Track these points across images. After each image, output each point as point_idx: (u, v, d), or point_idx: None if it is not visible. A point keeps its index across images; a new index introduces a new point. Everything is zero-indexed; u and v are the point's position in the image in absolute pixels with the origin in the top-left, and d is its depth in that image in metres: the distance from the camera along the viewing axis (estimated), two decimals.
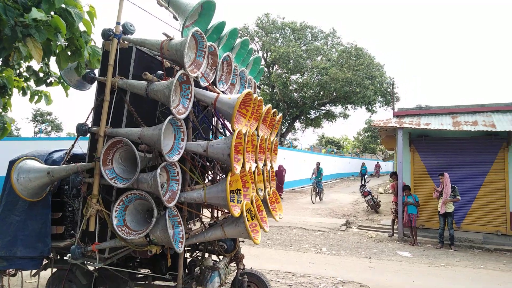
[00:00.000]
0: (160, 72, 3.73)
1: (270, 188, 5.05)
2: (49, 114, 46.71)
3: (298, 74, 34.54)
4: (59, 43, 2.76)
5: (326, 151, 50.46)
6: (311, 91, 33.54)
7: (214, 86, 4.15)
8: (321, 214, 12.72)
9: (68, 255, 3.99)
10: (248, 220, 3.80)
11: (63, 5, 2.85)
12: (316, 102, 34.31)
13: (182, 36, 3.70)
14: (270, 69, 34.88)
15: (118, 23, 3.64)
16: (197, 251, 4.81)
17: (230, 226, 3.78)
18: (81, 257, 3.67)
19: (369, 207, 13.62)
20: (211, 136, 5.17)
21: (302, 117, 38.03)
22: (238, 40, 4.64)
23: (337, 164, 34.87)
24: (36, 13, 2.38)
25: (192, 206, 4.35)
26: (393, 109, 28.46)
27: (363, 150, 61.03)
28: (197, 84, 3.87)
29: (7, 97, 4.32)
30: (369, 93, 30.86)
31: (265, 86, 35.13)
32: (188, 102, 3.58)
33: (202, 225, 4.63)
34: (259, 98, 4.15)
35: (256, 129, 4.30)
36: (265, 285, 4.46)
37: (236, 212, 3.60)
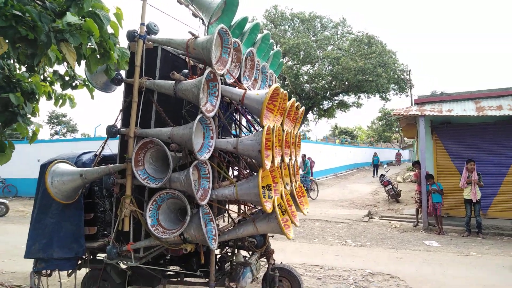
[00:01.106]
0: (186, 71, 3.73)
1: (296, 182, 5.04)
2: (64, 115, 47.46)
3: (309, 65, 34.26)
4: (90, 45, 2.75)
5: (340, 142, 50.16)
6: (323, 81, 33.23)
7: (239, 82, 4.13)
8: (341, 206, 12.65)
9: (104, 255, 4.08)
10: (280, 216, 3.79)
11: (90, 9, 2.85)
12: (328, 92, 34.00)
13: (206, 34, 3.69)
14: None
15: (142, 24, 3.65)
16: (226, 247, 4.83)
17: (262, 222, 3.78)
18: (117, 257, 3.72)
19: (389, 197, 13.49)
20: (234, 132, 5.17)
21: (315, 108, 37.77)
22: (260, 35, 4.61)
23: (352, 154, 34.58)
24: (70, 18, 2.39)
25: (220, 202, 4.36)
26: (410, 96, 27.94)
27: (377, 139, 60.37)
28: (222, 81, 3.86)
29: (35, 103, 4.37)
30: (383, 81, 30.40)
31: (276, 79, 34.96)
32: (216, 99, 3.57)
33: (231, 221, 4.66)
34: (284, 92, 4.12)
35: (281, 124, 4.28)
36: (296, 279, 4.46)
37: (268, 207, 3.60)
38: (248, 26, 4.25)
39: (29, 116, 4.14)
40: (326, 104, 37.73)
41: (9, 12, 2.25)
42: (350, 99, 37.64)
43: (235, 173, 4.89)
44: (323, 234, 8.46)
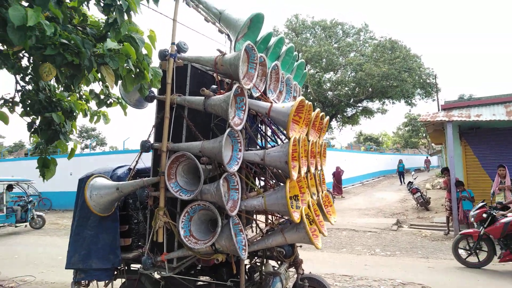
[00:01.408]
0: (215, 86, 3.88)
1: (323, 192, 5.08)
2: (93, 129, 49.15)
3: (332, 73, 34.15)
4: (126, 66, 2.95)
5: (365, 149, 49.40)
6: (346, 88, 32.99)
7: (264, 95, 4.25)
8: (368, 215, 12.49)
9: (139, 266, 4.24)
10: (308, 225, 3.84)
11: (127, 32, 3.05)
12: (352, 99, 33.71)
13: (234, 50, 3.84)
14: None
15: (173, 43, 3.84)
16: (255, 258, 4.91)
17: (291, 232, 3.84)
18: (151, 267, 3.87)
19: (418, 205, 13.20)
20: (260, 143, 5.27)
21: (339, 116, 37.50)
22: (284, 48, 4.73)
23: (378, 161, 34.01)
24: (110, 44, 2.59)
25: (248, 213, 4.45)
26: (436, 101, 27.33)
27: (404, 145, 59.12)
28: (249, 95, 3.99)
29: (73, 120, 4.64)
30: (408, 86, 29.89)
31: (300, 89, 34.99)
32: (243, 113, 3.70)
33: (260, 231, 4.74)
34: (309, 103, 4.20)
35: (307, 134, 4.36)
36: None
37: (296, 217, 3.66)
38: (272, 40, 4.38)
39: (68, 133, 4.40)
40: (350, 111, 37.40)
41: (58, 41, 2.46)
42: (374, 105, 37.18)
43: (262, 183, 5.00)
44: (351, 244, 8.40)
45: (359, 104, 36.06)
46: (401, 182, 23.75)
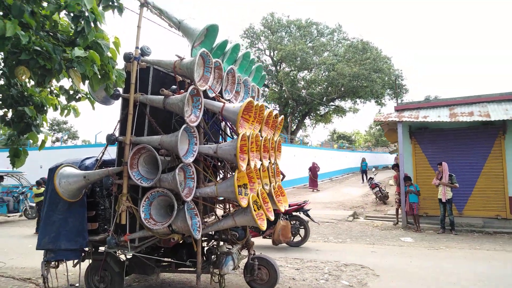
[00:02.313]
0: (174, 87, 4.37)
1: (276, 183, 5.65)
2: (65, 123, 48.11)
3: (306, 71, 34.97)
4: (92, 69, 3.39)
5: (337, 146, 50.72)
6: (319, 87, 33.84)
7: (221, 96, 4.77)
8: (330, 207, 13.26)
9: (104, 247, 4.68)
10: (255, 210, 4.40)
11: (94, 38, 3.50)
12: (324, 98, 34.64)
13: (191, 56, 4.33)
14: (278, 67, 35.37)
15: (137, 48, 4.30)
16: (213, 241, 5.44)
17: (240, 216, 4.40)
18: (115, 246, 4.33)
19: (377, 199, 14.10)
20: (221, 139, 5.79)
21: (312, 114, 38.43)
22: (240, 53, 5.25)
23: (348, 158, 35.16)
24: (78, 52, 3.04)
25: (206, 201, 4.97)
26: (396, 102, 28.68)
27: (375, 143, 61.00)
28: (206, 95, 4.50)
29: (44, 114, 5.01)
30: (377, 87, 31.04)
31: (273, 85, 35.66)
32: (199, 111, 4.21)
33: (216, 217, 5.28)
34: (260, 104, 4.75)
35: (260, 131, 4.92)
36: (273, 267, 5.06)
37: (244, 203, 4.22)
38: (229, 46, 4.89)
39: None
40: (322, 110, 38.42)
41: (32, 48, 2.89)
42: (346, 104, 38.36)
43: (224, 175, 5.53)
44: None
45: (332, 103, 37.12)
46: (363, 180, 23.54)
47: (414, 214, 9.18)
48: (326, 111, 38.92)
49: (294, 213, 7.92)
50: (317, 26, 36.06)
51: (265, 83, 36.33)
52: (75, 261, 5.00)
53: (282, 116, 5.82)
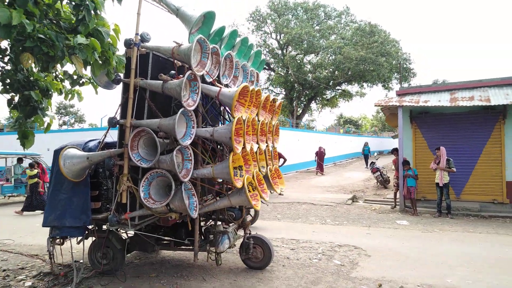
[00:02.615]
0: (173, 72, 4.52)
1: (273, 166, 5.84)
2: (72, 106, 48.57)
3: (312, 55, 34.70)
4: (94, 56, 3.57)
5: (344, 131, 50.67)
6: (326, 71, 33.62)
7: (218, 81, 4.92)
8: (331, 191, 13.48)
9: (106, 225, 4.94)
10: (250, 191, 4.60)
11: (95, 25, 3.66)
12: (331, 82, 34.44)
13: (189, 42, 4.47)
14: (284, 51, 35.12)
15: (137, 34, 4.45)
16: (210, 220, 5.69)
17: (235, 196, 4.62)
18: (116, 224, 4.57)
19: (378, 183, 14.27)
20: (220, 123, 5.97)
21: (318, 98, 38.32)
22: (239, 39, 5.37)
23: (353, 143, 35.20)
24: (80, 39, 3.20)
25: (205, 182, 5.18)
26: (400, 85, 28.43)
27: (381, 128, 60.79)
28: (204, 80, 4.65)
29: (49, 98, 5.21)
30: (384, 71, 30.75)
31: (279, 69, 35.50)
32: (196, 96, 4.37)
33: (213, 198, 5.51)
34: (256, 88, 4.90)
35: (257, 115, 5.07)
36: (268, 246, 5.29)
37: (239, 184, 4.42)
38: (227, 32, 5.01)
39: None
40: (329, 94, 38.26)
41: (36, 36, 3.07)
42: (353, 88, 38.14)
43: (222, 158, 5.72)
44: (307, 215, 9.31)
45: (338, 87, 36.93)
46: (366, 165, 23.21)
47: (412, 198, 9.35)
48: (333, 95, 38.76)
49: None
50: (324, 8, 35.54)
51: (271, 66, 36.20)
52: (79, 238, 5.27)
53: (280, 100, 5.95)
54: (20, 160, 13.57)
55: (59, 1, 3.58)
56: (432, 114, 10.00)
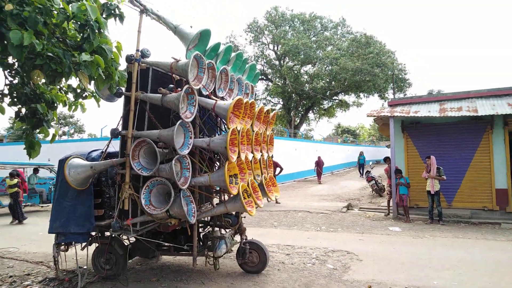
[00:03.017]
0: (171, 86, 4.80)
1: (268, 174, 6.10)
2: (71, 117, 48.83)
3: (309, 66, 35.20)
4: (98, 72, 3.85)
5: (342, 140, 50.95)
6: (322, 81, 34.06)
7: (214, 94, 5.20)
8: (327, 199, 13.71)
9: (109, 231, 5.16)
10: (245, 198, 4.86)
11: (98, 43, 3.95)
12: (328, 92, 34.86)
13: (186, 58, 4.76)
14: (281, 61, 35.62)
15: (137, 50, 4.75)
16: (208, 227, 5.92)
17: (231, 203, 4.87)
18: (119, 230, 4.81)
19: (373, 192, 14.51)
20: (217, 133, 6.23)
21: (315, 108, 38.72)
22: (234, 54, 5.67)
23: (350, 152, 35.49)
24: (85, 57, 3.49)
25: (202, 190, 5.42)
26: (394, 96, 28.80)
27: (379, 137, 61.15)
28: (201, 93, 4.94)
29: (54, 110, 5.48)
30: (380, 81, 31.19)
31: (277, 79, 35.96)
32: (194, 108, 4.65)
33: (210, 205, 5.75)
34: (251, 101, 5.19)
35: (251, 126, 5.35)
36: (263, 251, 5.51)
37: (234, 191, 4.67)
38: (222, 48, 5.32)
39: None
40: (326, 104, 38.68)
41: (45, 54, 3.35)
42: (350, 98, 38.58)
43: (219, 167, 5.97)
44: (303, 223, 9.53)
45: (335, 97, 37.36)
46: (360, 174, 23.48)
47: (404, 205, 9.58)
48: (330, 105, 39.19)
49: None
50: (321, 20, 36.19)
51: (269, 77, 36.67)
52: (83, 244, 5.48)
53: (275, 111, 6.23)
54: (36, 170, 13.83)
55: (66, 22, 3.88)
56: (423, 124, 10.30)
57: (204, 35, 4.80)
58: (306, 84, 34.44)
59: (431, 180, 9.11)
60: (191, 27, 4.98)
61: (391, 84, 33.88)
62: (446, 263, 5.83)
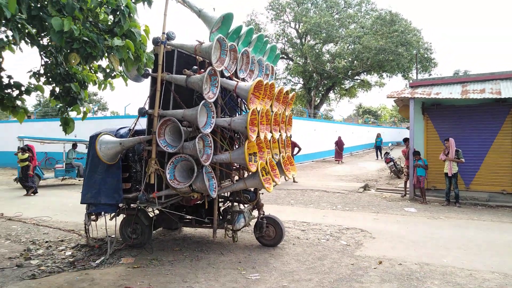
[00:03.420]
0: (195, 67, 5.03)
1: (285, 153, 6.32)
2: (95, 95, 49.93)
3: (331, 44, 34.62)
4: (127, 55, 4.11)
5: (363, 121, 50.38)
6: (344, 61, 33.53)
7: (236, 75, 5.40)
8: (344, 180, 13.87)
9: (136, 203, 5.55)
10: (263, 175, 5.12)
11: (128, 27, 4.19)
12: (350, 72, 34.35)
13: (209, 40, 4.96)
14: (303, 40, 35.16)
15: (163, 33, 4.97)
16: (228, 202, 6.25)
17: (250, 179, 5.15)
18: (145, 202, 5.17)
19: (391, 173, 14.56)
20: (237, 113, 6.47)
21: (336, 88, 38.31)
22: (255, 35, 5.83)
23: (370, 133, 35.17)
24: (117, 41, 3.75)
25: (223, 167, 5.71)
26: (416, 77, 28.02)
27: (401, 119, 60.03)
28: (223, 75, 5.16)
29: (85, 89, 5.82)
30: (404, 61, 30.48)
31: (298, 58, 35.61)
32: (216, 89, 4.88)
33: (230, 181, 6.06)
34: (270, 82, 5.37)
35: (271, 106, 5.55)
36: (279, 225, 5.81)
37: (253, 168, 4.94)
38: (243, 30, 5.48)
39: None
40: (347, 84, 38.19)
41: (81, 38, 3.63)
42: (372, 78, 37.94)
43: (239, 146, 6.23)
44: (319, 202, 9.78)
45: (357, 77, 36.80)
46: (377, 157, 23.01)
47: (421, 187, 9.67)
48: (351, 85, 38.68)
49: None
50: None
51: (290, 56, 36.34)
52: (112, 215, 5.92)
53: (293, 93, 6.40)
54: (74, 146, 14.56)
55: (98, 7, 4.13)
56: (444, 106, 10.21)
57: (227, 18, 4.97)
58: (328, 63, 34.00)
59: (449, 163, 9.13)
60: (214, 9, 5.16)
61: (415, 64, 33.17)
62: (457, 242, 5.99)
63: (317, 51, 33.25)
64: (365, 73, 35.76)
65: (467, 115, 9.96)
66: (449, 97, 9.32)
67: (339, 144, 21.28)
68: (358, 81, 37.59)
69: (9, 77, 4.59)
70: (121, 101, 77.90)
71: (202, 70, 4.97)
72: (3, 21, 3.03)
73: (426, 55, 33.41)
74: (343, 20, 33.10)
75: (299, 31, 34.31)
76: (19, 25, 3.53)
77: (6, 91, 4.51)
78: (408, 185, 10.40)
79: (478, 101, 9.54)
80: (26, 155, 11.83)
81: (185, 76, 4.82)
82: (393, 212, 8.51)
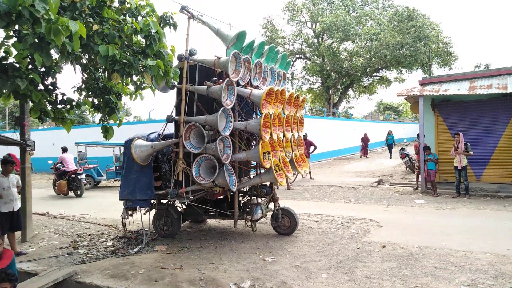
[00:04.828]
0: (214, 78, 5.78)
1: (298, 151, 6.98)
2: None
3: (348, 43, 34.79)
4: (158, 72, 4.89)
5: (384, 118, 50.08)
6: (362, 58, 33.64)
7: (250, 83, 6.11)
8: (360, 176, 14.35)
9: (166, 199, 6.33)
10: (276, 171, 5.81)
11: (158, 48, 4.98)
12: (368, 69, 34.44)
13: (226, 55, 5.70)
14: (319, 39, 35.49)
15: (186, 50, 5.75)
16: (247, 196, 6.97)
17: (265, 175, 5.85)
18: (175, 197, 5.95)
19: (407, 168, 14.92)
20: (253, 117, 7.18)
21: (355, 85, 38.42)
22: (266, 47, 6.52)
23: (390, 130, 35.08)
24: (150, 62, 4.54)
25: (241, 165, 6.42)
26: (429, 72, 27.86)
27: None
28: (238, 84, 5.88)
29: (120, 100, 6.66)
30: (422, 56, 30.36)
31: (315, 57, 35.95)
32: (233, 97, 5.61)
33: (248, 177, 6.77)
34: (281, 88, 6.06)
35: (283, 109, 6.23)
36: (293, 216, 6.48)
37: (267, 165, 5.64)
38: (256, 44, 6.18)
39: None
40: (366, 81, 38.22)
41: (121, 61, 4.43)
42: (391, 74, 37.82)
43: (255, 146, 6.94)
44: (333, 196, 10.37)
45: (375, 74, 36.82)
46: (390, 154, 21.97)
47: (432, 180, 10.10)
48: (370, 82, 38.69)
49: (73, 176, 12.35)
50: None
51: (307, 55, 36.73)
52: (146, 209, 6.73)
53: (304, 96, 7.05)
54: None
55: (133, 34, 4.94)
56: (453, 102, 10.60)
57: (241, 35, 5.70)
58: (345, 62, 34.21)
59: (459, 156, 9.54)
60: (229, 25, 5.89)
61: (436, 58, 32.93)
62: (459, 229, 6.49)
63: (334, 50, 33.49)
64: (383, 69, 35.75)
65: (476, 110, 10.32)
66: (457, 93, 9.72)
67: (365, 140, 22.81)
68: (377, 77, 37.56)
69: (63, 94, 5.49)
70: (142, 106, 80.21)
71: (221, 81, 5.71)
72: (66, 54, 3.83)
73: (446, 49, 33.11)
74: (360, 18, 33.23)
75: (316, 31, 34.65)
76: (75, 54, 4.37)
77: (60, 106, 5.39)
78: (419, 179, 10.83)
79: (485, 96, 9.89)
80: None
81: (206, 86, 5.58)
82: (403, 204, 9.01)
